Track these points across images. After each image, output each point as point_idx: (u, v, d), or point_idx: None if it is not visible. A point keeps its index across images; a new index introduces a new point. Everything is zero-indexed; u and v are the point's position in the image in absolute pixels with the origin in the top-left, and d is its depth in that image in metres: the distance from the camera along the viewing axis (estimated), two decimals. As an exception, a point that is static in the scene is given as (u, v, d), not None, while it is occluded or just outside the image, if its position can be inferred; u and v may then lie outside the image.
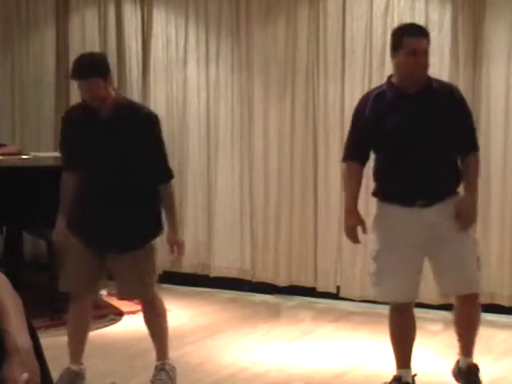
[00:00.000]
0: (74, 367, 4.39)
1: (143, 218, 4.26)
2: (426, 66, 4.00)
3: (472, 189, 4.15)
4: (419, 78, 4.00)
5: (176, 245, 4.35)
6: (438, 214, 4.06)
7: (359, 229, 4.20)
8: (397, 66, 4.06)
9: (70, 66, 4.24)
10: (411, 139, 4.03)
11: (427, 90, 4.05)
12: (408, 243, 4.05)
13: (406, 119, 4.04)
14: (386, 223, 4.16)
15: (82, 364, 4.42)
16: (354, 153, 4.24)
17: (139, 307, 6.24)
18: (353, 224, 4.20)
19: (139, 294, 4.39)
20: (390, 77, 4.15)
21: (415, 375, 4.26)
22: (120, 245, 4.19)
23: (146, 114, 4.32)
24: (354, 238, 4.23)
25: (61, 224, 4.32)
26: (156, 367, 4.43)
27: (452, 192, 4.13)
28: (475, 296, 4.16)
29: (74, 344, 4.40)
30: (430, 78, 4.10)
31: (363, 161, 4.24)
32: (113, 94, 4.17)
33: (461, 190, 4.21)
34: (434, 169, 4.06)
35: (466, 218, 4.09)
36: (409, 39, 3.95)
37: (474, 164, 4.18)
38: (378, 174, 4.20)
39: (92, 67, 4.11)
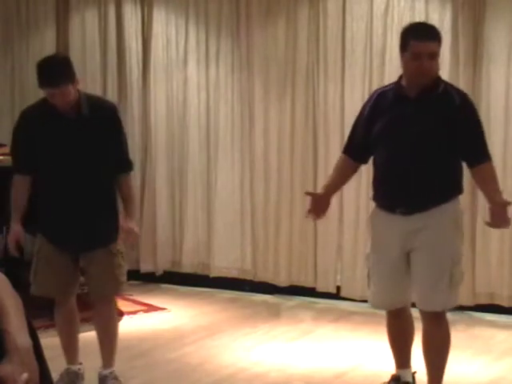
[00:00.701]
0: (73, 367, 4.39)
1: (112, 211, 4.24)
2: (430, 70, 3.84)
3: (495, 193, 3.90)
4: (422, 81, 3.87)
5: (126, 231, 4.22)
6: (417, 223, 3.90)
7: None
8: (402, 67, 3.98)
9: (37, 74, 4.10)
10: (398, 144, 3.92)
11: (429, 95, 3.90)
12: (392, 249, 3.97)
13: (395, 122, 3.93)
14: (374, 227, 4.13)
15: (80, 364, 4.42)
16: (349, 147, 4.21)
17: (139, 307, 6.26)
18: (316, 199, 4.22)
19: (113, 289, 4.32)
20: (400, 76, 4.03)
21: (415, 373, 4.25)
22: (94, 242, 4.17)
23: (107, 106, 4.32)
24: (315, 211, 4.21)
25: (15, 230, 4.22)
26: (105, 377, 4.32)
27: (439, 202, 3.91)
28: (440, 315, 3.98)
29: (67, 346, 4.39)
30: (438, 82, 3.94)
31: (356, 157, 4.17)
32: (75, 91, 4.12)
33: (462, 198, 4.10)
34: (419, 177, 3.90)
35: (498, 219, 3.90)
36: (414, 42, 3.82)
37: (488, 174, 3.95)
38: (373, 177, 4.16)
39: (62, 74, 4.04)
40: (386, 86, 4.15)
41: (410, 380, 4.23)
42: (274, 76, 6.55)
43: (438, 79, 3.97)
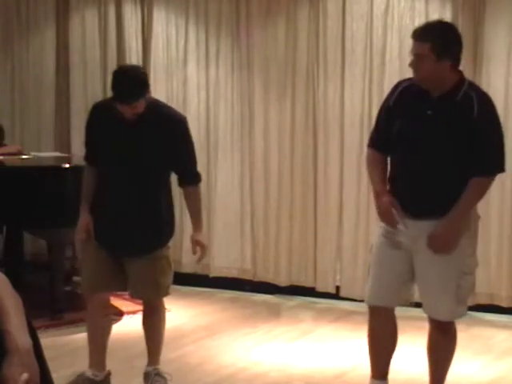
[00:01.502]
0: (88, 373, 4.33)
1: (161, 220, 4.22)
2: (415, 69, 3.77)
3: (455, 212, 3.73)
4: (417, 79, 3.79)
5: (199, 245, 4.29)
6: (422, 231, 3.78)
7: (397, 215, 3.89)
8: None
9: (113, 85, 4.03)
10: (411, 145, 3.82)
11: (449, 98, 3.76)
12: (394, 248, 3.89)
13: (413, 124, 3.83)
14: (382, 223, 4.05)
15: (101, 370, 4.35)
16: (375, 141, 4.03)
17: (139, 307, 6.25)
18: (384, 205, 3.88)
19: (155, 295, 4.30)
20: None
21: None
22: (139, 248, 4.16)
23: (175, 116, 4.25)
24: (391, 221, 3.87)
25: (84, 219, 4.24)
26: (148, 373, 4.37)
27: (443, 212, 3.75)
28: (446, 324, 3.90)
29: (92, 348, 4.35)
30: (458, 84, 3.79)
31: (384, 150, 3.96)
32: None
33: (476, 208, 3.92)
34: (429, 183, 3.79)
35: (435, 242, 3.75)
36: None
37: (475, 187, 3.75)
38: (389, 174, 4.00)
39: (137, 92, 3.99)
40: (410, 80, 3.96)
41: None
42: (274, 76, 6.55)
43: (460, 82, 3.81)
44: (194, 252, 4.33)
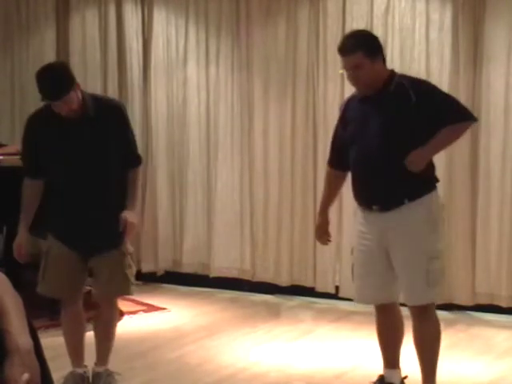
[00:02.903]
0: (79, 370, 4.36)
1: (121, 210, 4.20)
2: (357, 79, 3.96)
3: (428, 144, 3.89)
4: (362, 88, 4.01)
5: (126, 222, 4.18)
6: (392, 220, 3.99)
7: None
8: None
9: (37, 87, 4.05)
10: (364, 144, 4.01)
11: (383, 92, 3.99)
12: (372, 246, 4.06)
13: (361, 124, 4.03)
14: (356, 224, 4.21)
15: (85, 367, 4.40)
16: (331, 158, 4.35)
17: (140, 307, 6.26)
18: (318, 223, 4.42)
19: (123, 290, 4.32)
20: None
21: (405, 377, 4.25)
22: (105, 242, 4.17)
23: (113, 104, 4.31)
24: (320, 238, 4.40)
25: (22, 235, 4.28)
26: (99, 374, 4.34)
27: (412, 197, 3.96)
28: (425, 310, 4.03)
29: (72, 348, 4.37)
30: (390, 79, 4.00)
31: (339, 167, 4.26)
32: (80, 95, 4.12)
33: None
34: (389, 173, 3.96)
35: (409, 159, 3.89)
36: (341, 58, 4.02)
37: (449, 130, 3.91)
38: (351, 177, 4.24)
39: (63, 85, 4.00)
40: (353, 94, 4.24)
41: (396, 382, 4.22)
42: (274, 76, 6.55)
43: (391, 76, 4.03)
44: (120, 229, 4.20)
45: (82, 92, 4.14)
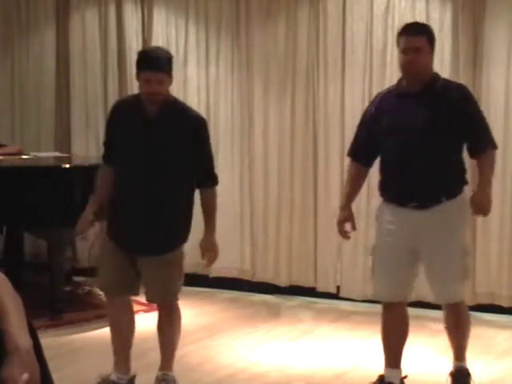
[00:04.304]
0: (113, 376, 4.30)
1: (177, 221, 4.19)
2: (415, 63, 3.98)
3: (483, 182, 4.09)
4: (413, 75, 4.03)
5: (209, 250, 4.27)
6: (430, 218, 4.04)
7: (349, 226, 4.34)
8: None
9: (139, 58, 4.07)
10: (405, 139, 4.03)
11: (429, 90, 4.05)
12: (399, 243, 4.08)
13: (399, 118, 4.05)
14: (383, 221, 4.20)
15: (125, 372, 4.32)
16: (356, 152, 4.32)
17: (140, 307, 6.25)
18: (340, 219, 4.33)
19: (166, 298, 4.30)
20: (401, 78, 4.19)
21: (405, 377, 4.28)
22: (152, 248, 4.13)
23: (194, 116, 4.19)
24: (341, 232, 4.34)
25: (89, 211, 4.22)
26: (157, 378, 4.34)
27: (449, 196, 4.07)
28: (459, 304, 4.22)
29: (114, 349, 4.34)
30: (435, 78, 4.11)
31: (365, 161, 4.27)
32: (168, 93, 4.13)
33: (467, 192, 4.21)
34: (429, 170, 4.02)
35: (477, 207, 4.08)
36: (401, 38, 4.05)
37: (487, 162, 4.13)
38: (380, 172, 4.24)
39: (165, 63, 4.01)
40: (387, 89, 4.30)
41: (396, 382, 4.24)
42: (274, 76, 6.55)
43: (436, 76, 4.13)
44: (204, 257, 4.31)
45: (168, 93, 4.11)
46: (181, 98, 6.85)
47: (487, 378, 4.70)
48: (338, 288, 6.41)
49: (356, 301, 6.26)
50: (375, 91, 6.13)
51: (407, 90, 4.08)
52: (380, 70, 6.15)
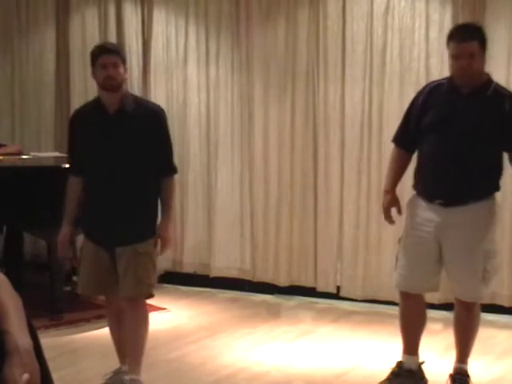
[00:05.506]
0: (124, 367, 4.34)
1: (147, 211, 4.23)
2: (467, 69, 3.95)
3: None
4: (465, 81, 4.02)
5: (163, 239, 4.25)
6: (456, 217, 4.07)
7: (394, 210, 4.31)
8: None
9: (93, 50, 4.25)
10: (446, 136, 4.04)
11: (480, 93, 4.03)
12: (425, 238, 4.12)
13: (446, 114, 4.05)
14: (412, 213, 4.23)
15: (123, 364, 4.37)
16: (401, 139, 4.32)
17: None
18: (385, 204, 4.31)
19: (139, 291, 4.25)
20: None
21: (423, 363, 4.34)
22: (122, 238, 4.15)
23: (152, 108, 4.32)
24: (388, 218, 4.33)
25: (65, 232, 4.29)
26: (123, 381, 4.26)
27: (477, 198, 4.08)
28: (474, 304, 4.21)
29: (117, 345, 4.39)
30: (487, 82, 4.07)
31: (409, 148, 4.27)
32: (124, 87, 4.21)
33: (497, 195, 4.22)
34: (462, 170, 4.03)
35: None
36: (451, 44, 4.01)
37: None
38: (416, 164, 4.26)
39: (118, 49, 4.32)
40: (439, 80, 4.28)
41: (414, 368, 4.31)
42: (274, 76, 6.55)
43: (489, 80, 4.09)
44: (158, 245, 4.26)
45: (125, 89, 4.26)
46: (181, 97, 6.92)
47: (487, 378, 4.70)
48: (338, 288, 6.41)
49: (356, 301, 6.26)
50: (375, 91, 6.16)
51: (458, 88, 4.06)
52: (380, 69, 6.15)
